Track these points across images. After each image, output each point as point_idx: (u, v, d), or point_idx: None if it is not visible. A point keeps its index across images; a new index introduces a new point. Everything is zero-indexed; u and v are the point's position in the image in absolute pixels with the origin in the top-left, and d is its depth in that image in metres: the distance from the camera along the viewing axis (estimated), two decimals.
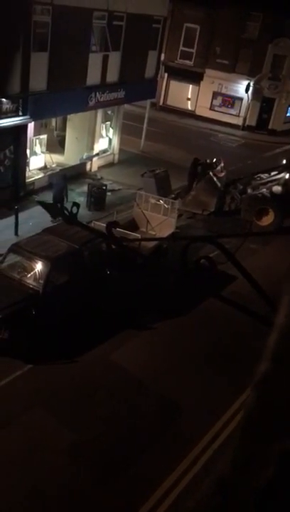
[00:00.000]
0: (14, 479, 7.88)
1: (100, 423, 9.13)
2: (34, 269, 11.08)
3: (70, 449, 8.51)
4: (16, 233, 14.78)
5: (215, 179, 18.61)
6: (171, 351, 11.34)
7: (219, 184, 18.59)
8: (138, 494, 7.91)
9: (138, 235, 14.22)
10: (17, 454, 8.29)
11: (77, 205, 3.26)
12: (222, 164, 19.40)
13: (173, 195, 17.80)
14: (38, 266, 11.01)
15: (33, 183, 18.19)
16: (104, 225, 5.23)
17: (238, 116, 33.87)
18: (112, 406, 9.57)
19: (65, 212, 3.25)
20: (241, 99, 33.56)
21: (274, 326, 0.91)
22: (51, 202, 11.48)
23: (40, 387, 9.71)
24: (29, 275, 11.06)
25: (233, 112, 34.04)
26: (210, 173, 18.65)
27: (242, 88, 33.15)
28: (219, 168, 19.22)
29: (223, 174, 19.13)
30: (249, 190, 18.75)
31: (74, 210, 3.25)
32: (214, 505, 0.96)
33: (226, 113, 34.04)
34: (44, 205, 3.73)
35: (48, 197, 17.21)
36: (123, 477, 8.16)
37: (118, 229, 12.58)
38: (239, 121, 33.68)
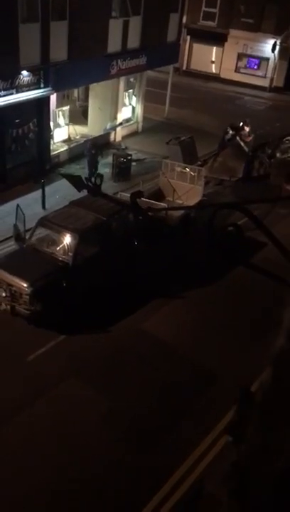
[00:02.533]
0: (52, 447, 8.17)
1: (134, 391, 9.31)
2: (63, 241, 11.18)
3: (105, 417, 8.74)
4: (44, 207, 14.89)
5: (241, 144, 18.16)
6: (201, 319, 11.38)
7: (246, 149, 18.14)
8: (174, 458, 8.10)
9: (165, 205, 14.11)
10: (54, 423, 8.57)
11: (100, 176, 3.24)
12: (249, 128, 18.89)
13: (199, 163, 17.50)
14: (67, 238, 11.10)
15: (58, 155, 18.18)
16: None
17: (265, 77, 32.73)
18: (146, 374, 9.73)
19: (89, 184, 3.23)
20: (267, 59, 32.33)
21: (287, 302, 0.85)
22: (74, 174, 11.46)
23: (74, 357, 9.94)
24: (58, 248, 11.19)
25: (259, 73, 32.89)
26: (237, 137, 18.19)
27: (268, 48, 31.89)
28: (246, 132, 18.72)
29: (250, 138, 18.62)
30: (278, 154, 18.25)
31: (98, 181, 3.23)
32: (230, 490, 0.93)
33: (252, 75, 32.92)
34: (68, 177, 3.72)
35: (74, 169, 17.24)
36: (158, 442, 8.35)
37: (144, 199, 12.53)
38: (265, 83, 32.57)
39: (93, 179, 3.42)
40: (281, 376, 0.80)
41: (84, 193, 4.57)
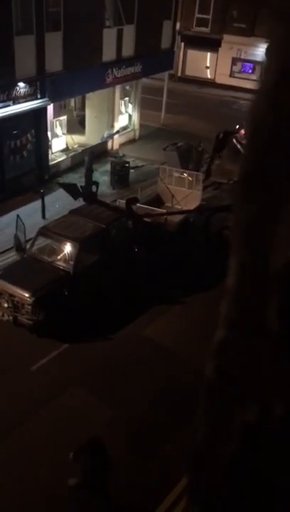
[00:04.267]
0: (55, 456, 8.16)
1: (138, 397, 9.31)
2: (63, 250, 11.23)
3: (110, 424, 8.73)
4: (44, 216, 14.94)
5: (238, 146, 18.22)
6: (202, 324, 11.36)
7: (242, 151, 18.19)
8: (179, 466, 8.08)
9: (164, 211, 14.15)
10: (57, 431, 8.56)
11: (96, 184, 3.27)
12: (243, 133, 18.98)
13: (204, 168, 17.53)
14: (67, 247, 11.15)
15: (56, 165, 18.27)
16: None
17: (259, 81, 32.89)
18: (149, 380, 9.73)
19: (85, 192, 3.26)
20: (261, 63, 32.52)
21: (225, 290, 0.87)
22: (70, 183, 11.52)
23: (77, 366, 9.95)
24: (59, 257, 11.23)
25: (254, 77, 33.06)
26: (234, 140, 18.24)
27: (262, 52, 32.07)
28: (242, 134, 18.79)
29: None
30: None
31: (94, 189, 3.27)
32: (189, 482, 0.94)
33: (247, 79, 33.11)
34: (64, 186, 3.76)
35: (72, 178, 17.29)
36: (162, 450, 8.34)
37: (142, 205, 12.57)
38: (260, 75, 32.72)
39: (89, 187, 3.46)
40: (225, 368, 0.82)
41: (82, 201, 4.61)
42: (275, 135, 0.77)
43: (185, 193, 15.12)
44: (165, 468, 7.98)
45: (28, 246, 11.71)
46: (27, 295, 10.18)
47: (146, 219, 12.51)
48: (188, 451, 0.97)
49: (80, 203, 11.92)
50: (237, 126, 19.06)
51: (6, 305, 10.45)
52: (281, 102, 0.75)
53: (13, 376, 9.59)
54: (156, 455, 8.24)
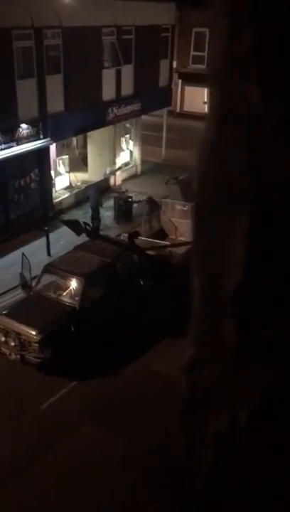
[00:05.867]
0: (69, 496, 7.94)
1: (149, 432, 9.10)
2: (69, 286, 11.23)
3: (121, 461, 8.52)
4: (49, 254, 15.03)
5: None
6: None
7: None
8: None
9: (168, 243, 14.21)
10: (70, 470, 8.35)
11: (98, 219, 3.31)
12: None
13: None
14: (73, 283, 11.15)
15: (60, 202, 18.50)
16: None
17: None
18: (161, 415, 9.53)
19: (87, 227, 3.30)
20: None
21: (191, 312, 0.96)
22: (73, 219, 11.63)
23: (87, 403, 9.78)
24: (65, 293, 11.22)
25: None
26: None
27: None
28: None
29: None
30: None
31: (96, 224, 3.30)
32: (173, 493, 1.01)
33: None
34: (67, 223, 3.80)
35: (76, 215, 17.48)
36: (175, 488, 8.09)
37: (146, 238, 12.63)
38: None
39: (91, 223, 3.50)
40: (196, 382, 0.93)
41: (86, 237, 4.64)
42: (216, 178, 0.86)
43: (188, 224, 15.20)
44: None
45: (33, 283, 11.73)
46: (34, 333, 10.12)
47: (150, 252, 12.54)
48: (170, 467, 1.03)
49: (84, 238, 12.00)
50: None
51: (12, 343, 10.38)
52: (220, 150, 0.87)
53: (22, 416, 9.43)
54: (171, 491, 7.98)
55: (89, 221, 13.85)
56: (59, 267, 11.53)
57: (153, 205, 16.35)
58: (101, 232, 13.23)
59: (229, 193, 0.81)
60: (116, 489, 8.05)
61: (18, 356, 10.34)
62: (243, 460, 0.86)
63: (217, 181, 0.85)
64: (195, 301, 1.01)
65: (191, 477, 0.93)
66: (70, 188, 19.51)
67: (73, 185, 19.78)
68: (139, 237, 12.75)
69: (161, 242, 13.97)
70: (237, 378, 0.85)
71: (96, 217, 16.59)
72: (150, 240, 13.01)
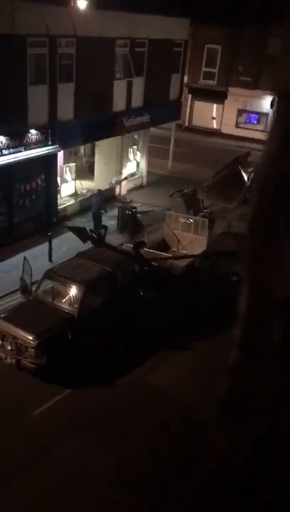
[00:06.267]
0: (58, 505, 7.87)
1: (142, 446, 9.05)
2: (69, 293, 11.23)
3: (112, 473, 8.45)
4: (50, 259, 15.04)
5: (242, 172, 18.42)
6: (207, 371, 11.18)
7: (246, 178, 18.42)
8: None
9: (170, 255, 14.23)
10: (60, 479, 8.29)
11: (104, 227, 3.33)
12: (251, 159, 19.34)
13: (202, 214, 17.77)
14: (73, 290, 11.15)
15: (64, 209, 18.56)
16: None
17: (264, 131, 33.77)
18: (153, 429, 9.48)
19: (93, 235, 3.32)
20: (266, 114, 33.50)
21: (238, 315, 0.97)
22: (79, 226, 11.73)
23: (80, 412, 9.73)
24: (64, 300, 11.21)
25: (259, 127, 33.97)
26: (239, 166, 18.47)
27: (266, 104, 33.12)
28: (248, 161, 19.10)
29: (251, 169, 19.00)
30: None
31: (102, 232, 3.33)
32: (204, 491, 1.01)
33: (252, 129, 34.02)
34: (73, 230, 3.82)
35: (80, 222, 17.53)
36: (165, 501, 8.02)
37: (149, 249, 12.66)
38: (265, 137, 33.60)
39: (97, 231, 3.53)
40: (237, 385, 0.95)
41: (89, 244, 4.67)
42: (276, 191, 0.91)
43: (190, 238, 15.24)
44: None
45: (33, 288, 11.73)
46: (30, 338, 10.10)
47: (153, 263, 12.57)
48: (201, 466, 1.04)
49: (87, 246, 12.03)
50: (247, 151, 19.47)
51: (9, 347, 10.36)
52: (283, 166, 0.92)
53: (14, 421, 9.37)
54: (160, 506, 7.91)
55: (91, 228, 13.89)
56: (59, 274, 11.53)
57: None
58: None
59: (288, 206, 0.86)
60: (106, 501, 7.98)
61: (14, 361, 10.31)
62: (276, 461, 0.89)
63: (276, 194, 0.90)
64: (242, 304, 1.02)
65: (223, 476, 0.95)
66: (75, 195, 19.59)
67: (78, 192, 19.86)
68: (144, 248, 12.79)
69: (163, 254, 13.99)
70: (278, 384, 0.88)
71: (97, 223, 16.67)
72: (152, 251, 13.03)
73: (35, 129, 15.77)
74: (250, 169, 18.92)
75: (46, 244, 15.38)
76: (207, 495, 1.00)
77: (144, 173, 23.31)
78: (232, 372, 0.99)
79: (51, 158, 17.04)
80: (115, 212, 18.37)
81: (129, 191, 21.96)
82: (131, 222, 17.59)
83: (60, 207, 18.30)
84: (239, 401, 0.93)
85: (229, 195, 18.11)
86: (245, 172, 18.55)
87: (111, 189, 21.08)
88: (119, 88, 19.55)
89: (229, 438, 0.94)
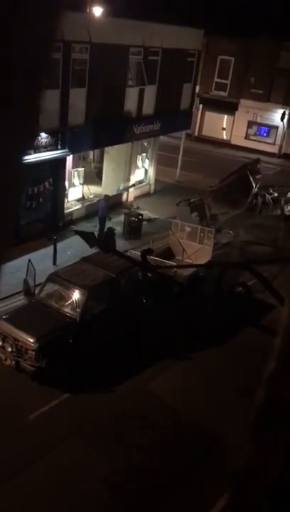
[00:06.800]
0: (51, 510, 7.81)
1: (137, 453, 8.99)
2: (71, 297, 11.22)
3: (106, 479, 8.39)
4: (55, 263, 15.04)
5: (250, 178, 18.42)
6: (209, 381, 11.13)
7: (254, 184, 18.41)
8: None
9: (174, 263, 14.22)
10: (54, 484, 8.23)
11: (112, 233, 3.32)
12: (260, 166, 19.38)
13: (208, 221, 17.76)
14: (75, 294, 11.14)
15: (71, 213, 18.60)
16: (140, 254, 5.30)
17: (274, 144, 33.83)
18: (150, 436, 9.42)
19: (100, 240, 3.31)
20: (276, 127, 33.56)
21: (280, 326, 0.97)
22: (87, 231, 11.75)
23: (77, 417, 9.68)
24: (67, 303, 11.20)
25: (269, 140, 34.03)
26: (247, 171, 18.48)
27: (277, 117, 33.20)
28: (257, 168, 19.14)
29: (259, 176, 19.00)
30: (283, 202, 18.70)
31: (111, 238, 3.31)
32: (231, 504, 0.99)
33: (262, 141, 34.07)
34: (81, 234, 3.82)
35: (86, 227, 17.55)
36: (159, 509, 7.95)
37: (154, 257, 12.66)
38: (275, 149, 33.62)
39: (105, 236, 3.52)
40: (272, 395, 0.94)
41: (95, 249, 4.69)
42: None
43: (195, 247, 15.23)
44: None
45: (36, 291, 11.72)
46: (31, 340, 10.08)
47: (158, 271, 12.54)
48: (232, 473, 1.02)
49: (92, 251, 12.01)
50: (257, 158, 19.55)
51: (9, 349, 10.34)
52: None
53: (10, 424, 9.33)
54: (155, 510, 7.84)
55: (96, 233, 13.92)
56: (63, 277, 11.53)
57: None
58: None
59: None
60: (100, 507, 7.91)
61: (14, 362, 10.29)
62: None
63: None
64: (284, 313, 1.03)
65: (254, 489, 0.93)
66: (82, 200, 19.63)
67: (85, 197, 19.91)
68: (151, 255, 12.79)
69: (168, 262, 13.98)
70: None
71: (102, 228, 16.73)
72: (157, 258, 13.01)
73: (46, 133, 15.85)
74: (259, 176, 18.93)
75: (51, 248, 15.39)
76: (236, 509, 0.98)
77: (152, 181, 23.35)
78: (268, 383, 0.98)
79: (60, 162, 17.10)
80: (121, 218, 18.40)
81: (136, 198, 21.99)
82: (137, 229, 17.63)
83: (66, 211, 18.34)
84: (274, 412, 0.92)
85: (235, 200, 18.08)
86: (253, 179, 18.55)
87: (119, 195, 21.12)
88: (130, 95, 19.64)
89: (264, 450, 0.92)
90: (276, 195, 19.04)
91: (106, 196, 18.21)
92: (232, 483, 0.99)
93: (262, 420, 0.97)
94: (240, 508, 0.98)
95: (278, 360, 0.99)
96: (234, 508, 0.99)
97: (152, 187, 23.34)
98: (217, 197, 17.98)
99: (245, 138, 34.52)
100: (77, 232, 3.87)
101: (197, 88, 28.60)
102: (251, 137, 34.47)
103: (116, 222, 18.40)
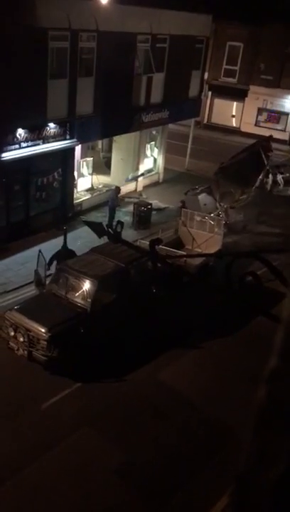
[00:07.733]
0: (63, 498, 7.91)
1: (148, 443, 9.05)
2: (82, 287, 11.25)
3: (118, 469, 8.47)
4: None
5: (262, 155, 18.19)
6: (219, 371, 11.14)
7: (266, 161, 18.19)
8: None
9: (184, 253, 14.17)
10: (66, 473, 8.32)
11: (121, 223, 3.30)
12: (271, 144, 19.22)
13: (217, 211, 17.66)
14: (86, 285, 11.17)
15: (80, 203, 18.59)
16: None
17: (284, 131, 33.43)
18: (160, 426, 9.47)
19: (110, 230, 3.30)
20: (287, 113, 33.14)
21: (281, 323, 0.95)
22: (96, 222, 11.72)
23: (89, 406, 9.76)
24: (77, 294, 11.24)
25: (279, 127, 33.62)
26: (260, 148, 18.24)
27: (287, 103, 32.77)
28: (270, 145, 18.96)
29: (272, 154, 18.80)
30: None
31: (119, 228, 3.30)
32: (233, 504, 0.97)
33: (272, 128, 33.67)
34: (89, 224, 3.81)
35: (95, 217, 17.54)
36: (173, 497, 8.01)
37: (163, 247, 12.63)
38: (285, 136, 33.22)
39: (114, 226, 3.51)
40: (275, 393, 0.92)
41: (105, 239, 4.68)
42: None
43: (205, 236, 15.15)
44: None
45: (47, 281, 11.77)
46: (43, 330, 10.15)
47: (167, 260, 12.51)
48: (234, 473, 1.00)
49: (102, 241, 12.01)
50: (269, 135, 19.42)
51: (21, 339, 10.42)
52: None
53: (23, 414, 9.43)
54: (165, 504, 7.91)
55: (106, 223, 13.89)
56: (73, 268, 11.56)
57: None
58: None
59: None
60: (112, 496, 7.99)
61: (26, 352, 10.38)
62: None
63: None
64: (285, 310, 1.02)
65: (257, 490, 0.92)
66: (91, 190, 19.60)
67: (94, 187, 19.87)
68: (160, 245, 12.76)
69: (178, 251, 13.94)
70: None
71: (111, 218, 16.71)
72: (166, 248, 12.98)
73: (54, 123, 15.79)
74: (271, 153, 18.67)
75: (61, 238, 15.41)
76: (239, 508, 0.97)
77: (161, 170, 23.23)
78: (270, 380, 0.96)
79: (69, 152, 17.06)
80: (131, 208, 18.36)
81: (145, 187, 21.91)
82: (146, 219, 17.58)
83: (75, 201, 18.34)
84: (278, 409, 0.90)
85: (246, 177, 17.81)
86: (266, 156, 18.30)
87: (127, 185, 21.05)
88: (138, 83, 19.47)
89: (267, 448, 0.90)
90: (287, 175, 18.83)
91: (116, 187, 18.17)
92: (234, 483, 0.97)
93: (265, 419, 0.95)
94: (242, 508, 0.96)
95: (281, 356, 0.97)
96: (236, 507, 0.98)
97: (161, 176, 23.23)
98: (227, 174, 17.66)
99: (255, 125, 34.12)
100: (86, 223, 3.86)
101: (206, 75, 28.30)
102: (261, 124, 34.07)
103: (126, 212, 18.36)
